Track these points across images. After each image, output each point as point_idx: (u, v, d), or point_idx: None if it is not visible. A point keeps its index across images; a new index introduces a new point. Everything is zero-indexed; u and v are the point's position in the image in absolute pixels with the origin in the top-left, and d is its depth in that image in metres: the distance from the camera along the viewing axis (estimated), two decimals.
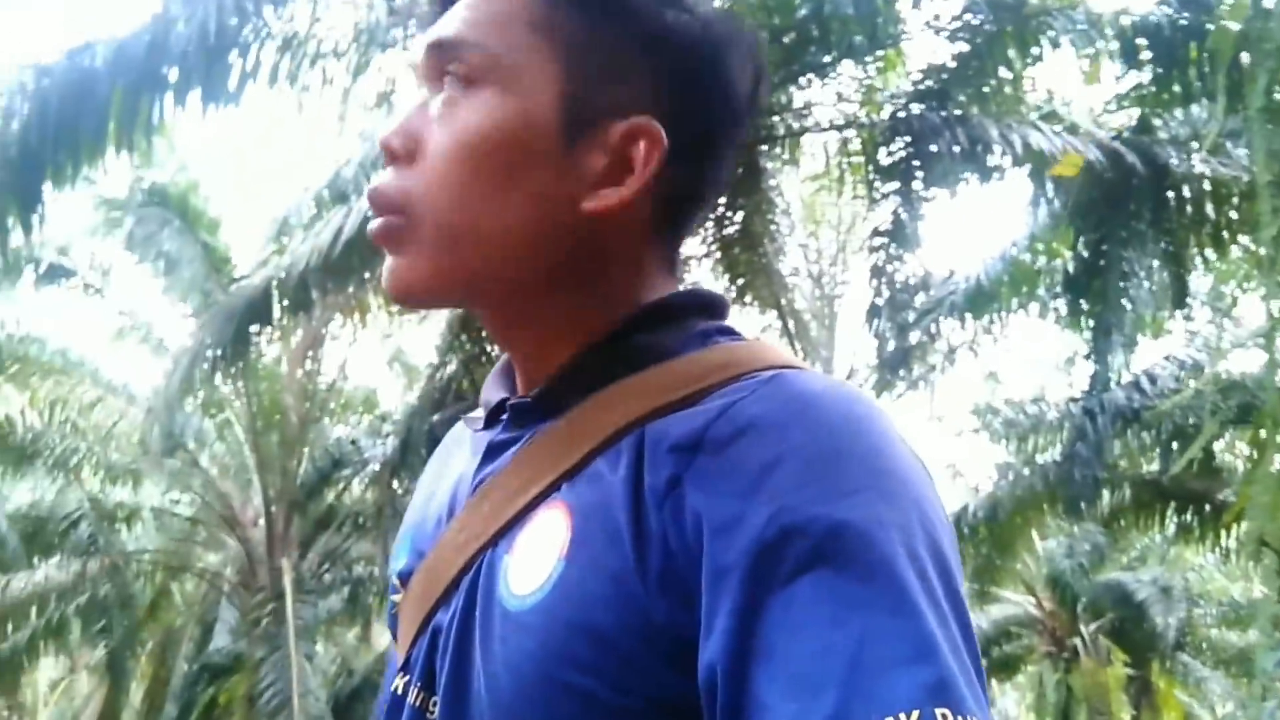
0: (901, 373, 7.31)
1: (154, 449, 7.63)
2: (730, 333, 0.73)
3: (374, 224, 0.71)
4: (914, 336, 7.08)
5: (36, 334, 8.70)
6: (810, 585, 0.54)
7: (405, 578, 0.77)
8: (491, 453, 0.74)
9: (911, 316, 6.87)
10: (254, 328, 6.57)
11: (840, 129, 6.25)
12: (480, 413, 0.80)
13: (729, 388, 0.64)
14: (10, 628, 9.24)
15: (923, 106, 5.82)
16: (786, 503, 0.56)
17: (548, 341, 0.72)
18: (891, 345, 6.86)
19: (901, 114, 5.88)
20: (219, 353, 6.49)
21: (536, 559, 0.64)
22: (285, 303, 6.30)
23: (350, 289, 6.49)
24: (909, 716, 0.50)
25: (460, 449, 0.83)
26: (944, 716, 0.50)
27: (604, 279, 0.71)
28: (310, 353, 9.09)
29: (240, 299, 6.53)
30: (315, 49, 5.33)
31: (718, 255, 6.48)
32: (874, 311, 6.51)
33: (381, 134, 0.72)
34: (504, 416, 0.75)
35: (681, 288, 0.76)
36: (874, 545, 0.55)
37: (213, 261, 7.87)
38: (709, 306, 0.74)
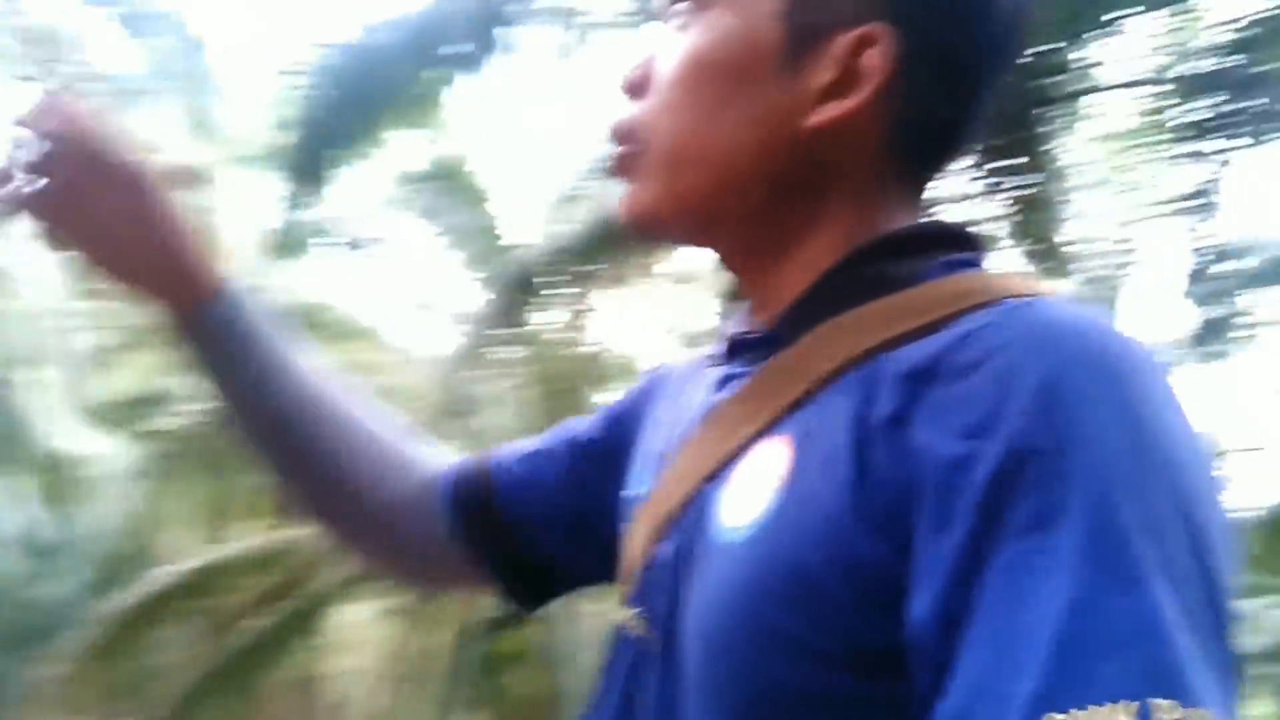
0: (1210, 347, 6.67)
1: (441, 411, 8.03)
2: (979, 266, 0.68)
3: (611, 155, 0.72)
4: (1220, 309, 6.48)
5: (329, 301, 9.34)
6: (1032, 544, 0.49)
7: (632, 508, 0.76)
8: (721, 386, 0.73)
9: (1217, 286, 6.28)
10: (531, 296, 6.76)
11: (1135, 86, 5.69)
12: (717, 350, 0.78)
13: (973, 315, 0.59)
14: (323, 571, 10.08)
15: (1228, 60, 5.16)
16: (1020, 447, 0.51)
17: (780, 273, 0.70)
18: (1199, 317, 6.29)
19: (1205, 69, 5.25)
20: (499, 320, 6.73)
21: (752, 491, 0.62)
22: (561, 273, 6.44)
23: (624, 258, 6.54)
24: (1120, 707, 0.45)
25: (694, 383, 0.81)
26: (1164, 708, 0.45)
27: (834, 202, 0.68)
28: (585, 321, 9.30)
29: (519, 267, 6.73)
30: (589, 20, 5.37)
31: (1002, 221, 6.11)
32: (1182, 280, 5.97)
33: (627, 69, 0.72)
34: (737, 352, 0.74)
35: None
36: (1108, 505, 0.49)
37: (493, 232, 8.15)
38: (957, 239, 0.69)
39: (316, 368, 0.91)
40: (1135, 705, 0.44)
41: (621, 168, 0.72)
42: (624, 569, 0.74)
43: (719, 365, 0.75)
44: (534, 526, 0.91)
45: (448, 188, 7.99)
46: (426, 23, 4.85)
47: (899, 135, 0.68)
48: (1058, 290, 0.65)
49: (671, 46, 0.70)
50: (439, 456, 0.96)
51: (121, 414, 8.99)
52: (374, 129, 5.21)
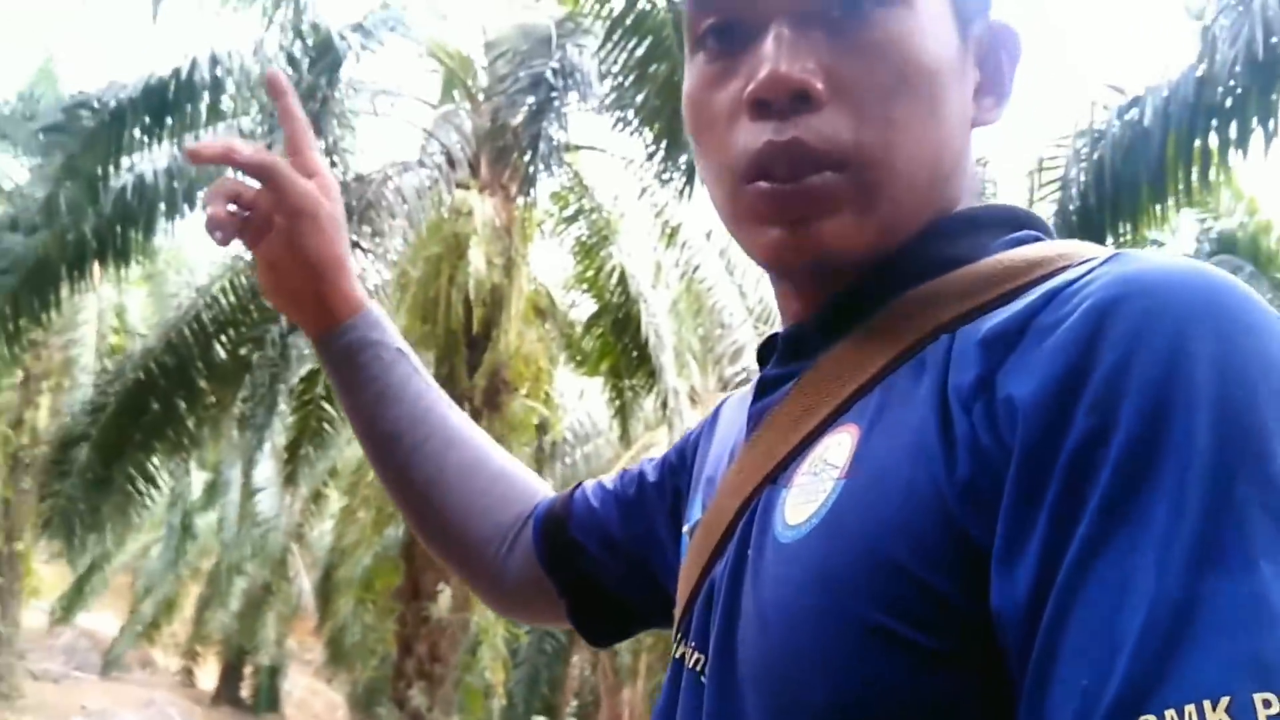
0: None
1: None
2: (1041, 239, 0.63)
3: (794, 186, 0.61)
4: None
5: None
6: (1124, 519, 0.45)
7: (688, 540, 0.73)
8: (766, 388, 0.69)
9: None
10: None
11: None
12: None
13: (1053, 278, 0.55)
14: None
15: None
16: (1112, 409, 0.46)
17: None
18: None
19: None
20: None
21: (815, 485, 0.58)
22: None
23: None
24: (1216, 704, 0.40)
25: (746, 399, 0.75)
26: (1267, 703, 0.40)
27: (956, 194, 0.67)
28: None
29: None
30: None
31: None
32: None
33: (780, 69, 0.61)
34: (787, 351, 0.69)
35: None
36: (1210, 475, 0.44)
37: None
38: (1022, 220, 0.66)
39: (436, 400, 0.98)
40: (1233, 700, 0.40)
41: (823, 199, 0.62)
42: (679, 599, 0.71)
43: (770, 368, 0.71)
44: (602, 561, 0.92)
45: (1239, 262, 7.36)
46: (1190, 83, 4.58)
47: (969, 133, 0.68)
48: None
49: (861, 47, 0.62)
50: (542, 489, 0.99)
51: None
52: (1142, 212, 5.05)
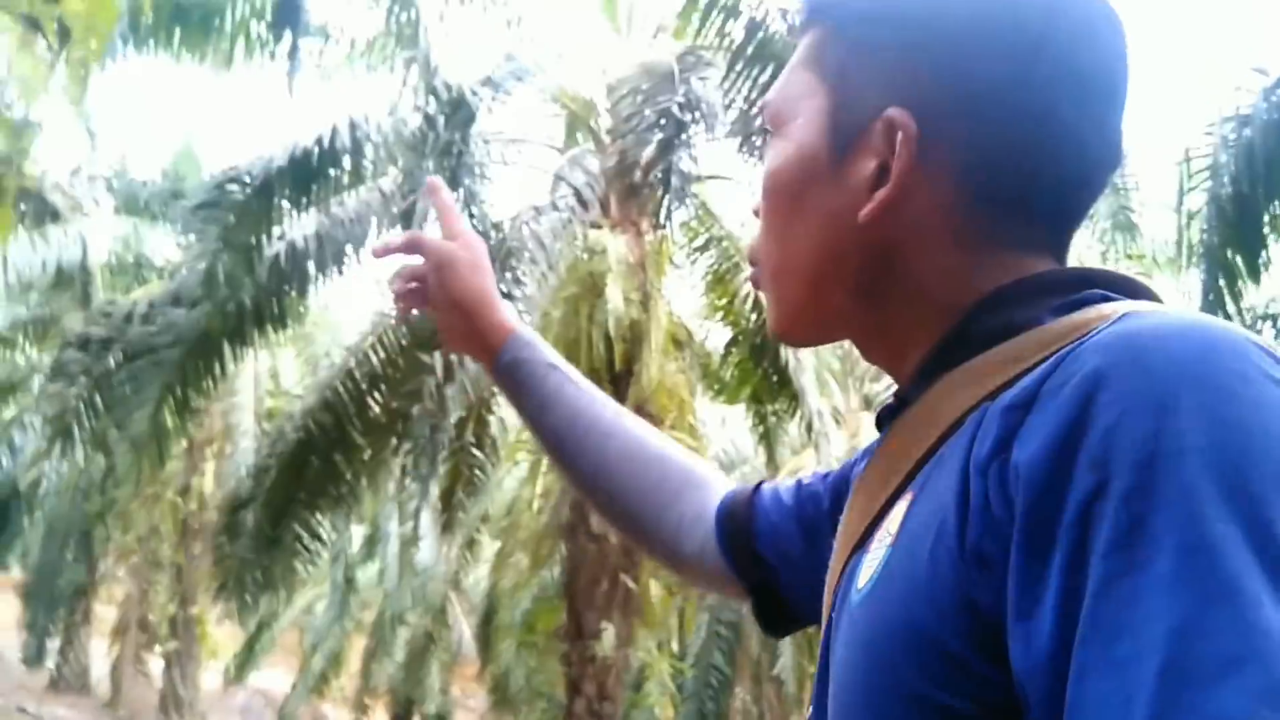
0: None
1: None
2: (1107, 298, 0.65)
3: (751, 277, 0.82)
4: None
5: None
6: (1127, 567, 0.48)
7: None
8: (867, 456, 0.79)
9: None
10: None
11: None
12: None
13: (1080, 339, 0.58)
14: None
15: None
16: (1106, 465, 0.50)
17: (900, 351, 0.74)
18: None
19: None
20: None
21: (877, 552, 0.65)
22: None
23: None
24: None
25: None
26: None
27: (923, 274, 0.71)
28: None
29: None
30: None
31: None
32: None
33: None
34: (884, 424, 0.76)
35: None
36: (1202, 518, 0.48)
37: None
38: (1088, 280, 0.68)
39: (591, 402, 1.13)
40: None
41: (756, 288, 0.83)
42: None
43: (875, 441, 0.78)
44: (785, 578, 1.01)
45: None
46: None
47: (970, 196, 0.70)
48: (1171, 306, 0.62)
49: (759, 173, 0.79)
50: (714, 476, 1.11)
51: None
52: None
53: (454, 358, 6.24)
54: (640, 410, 7.45)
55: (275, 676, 17.70)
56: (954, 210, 0.71)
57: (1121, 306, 0.62)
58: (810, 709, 0.74)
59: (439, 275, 1.12)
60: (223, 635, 14.33)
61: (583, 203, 6.97)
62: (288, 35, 6.70)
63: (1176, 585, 0.47)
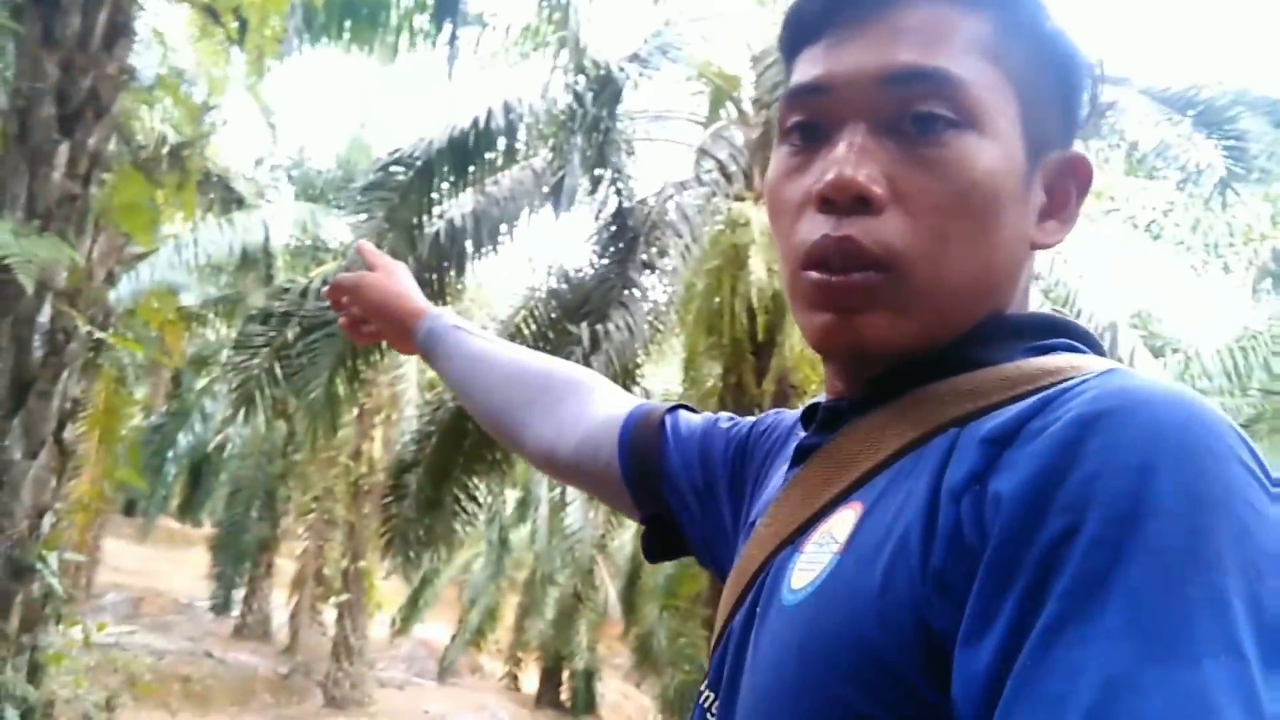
0: None
1: None
2: (1072, 348, 0.67)
3: (841, 279, 0.66)
4: None
5: None
6: (1080, 612, 0.48)
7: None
8: (800, 455, 0.73)
9: None
10: None
11: None
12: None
13: (1060, 386, 0.58)
14: None
15: None
16: (1079, 513, 0.50)
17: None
18: None
19: None
20: None
21: (818, 555, 0.62)
22: None
23: None
24: None
25: (787, 449, 0.82)
26: None
27: (1002, 306, 0.70)
28: None
29: None
30: None
31: None
32: None
33: (846, 173, 0.65)
34: (824, 422, 0.73)
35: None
36: (1161, 577, 0.47)
37: None
38: (1059, 329, 0.69)
39: (492, 346, 1.19)
40: None
41: (861, 296, 0.66)
42: (713, 638, 0.75)
43: (808, 435, 0.74)
44: (672, 500, 0.98)
45: None
46: None
47: None
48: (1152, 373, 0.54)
49: (931, 165, 0.66)
50: (600, 384, 1.12)
51: None
52: None
53: (599, 328, 6.22)
54: (783, 380, 7.32)
55: (436, 629, 18.25)
56: None
57: (1093, 362, 0.63)
58: (709, 692, 0.72)
59: (358, 294, 1.29)
60: (389, 589, 14.78)
61: (726, 176, 6.85)
62: (447, 25, 6.74)
63: (1121, 638, 0.46)
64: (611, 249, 6.60)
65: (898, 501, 0.60)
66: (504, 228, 7.27)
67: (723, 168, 6.88)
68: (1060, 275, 7.28)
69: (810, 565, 0.63)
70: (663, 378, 9.92)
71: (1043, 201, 0.70)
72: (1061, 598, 0.48)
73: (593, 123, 5.78)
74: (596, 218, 6.52)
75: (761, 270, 6.71)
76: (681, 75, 7.34)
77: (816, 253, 0.67)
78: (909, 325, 0.66)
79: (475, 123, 6.62)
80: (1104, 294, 7.64)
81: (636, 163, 6.57)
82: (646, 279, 6.51)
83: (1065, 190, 0.71)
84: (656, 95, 7.43)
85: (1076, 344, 0.68)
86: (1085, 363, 0.63)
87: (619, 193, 6.15)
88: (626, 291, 6.50)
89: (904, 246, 0.65)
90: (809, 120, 0.70)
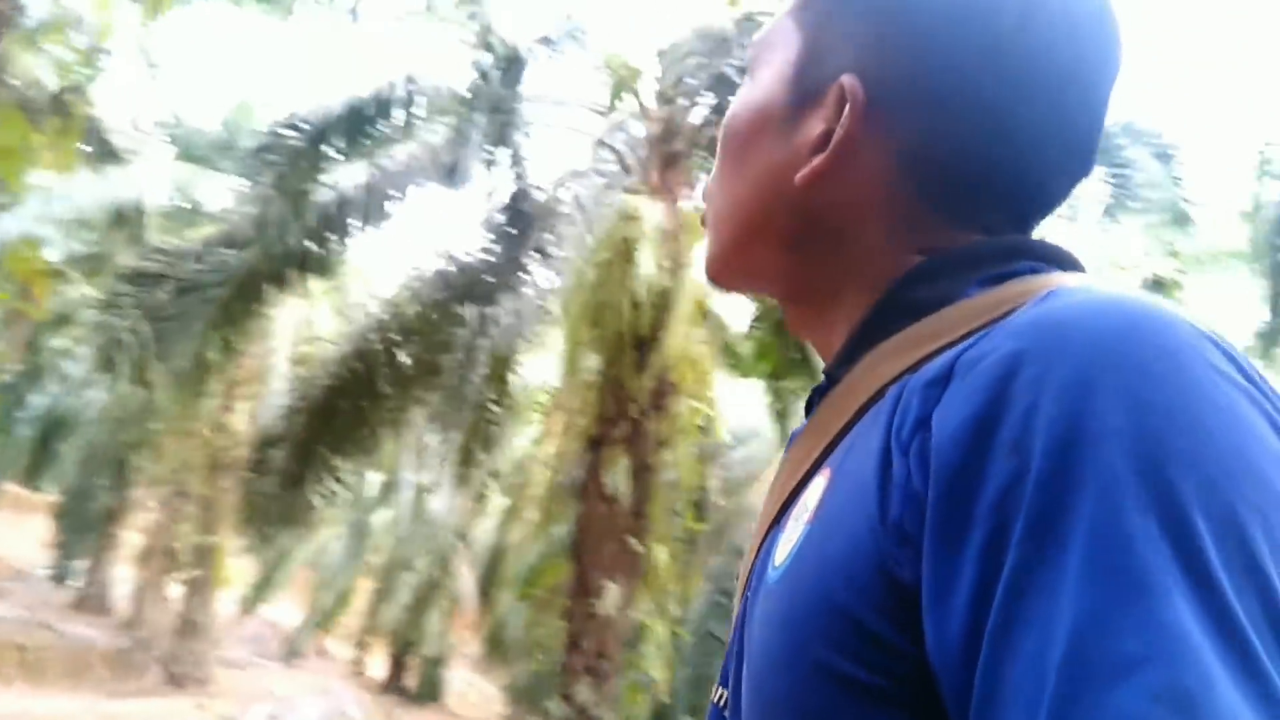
0: None
1: None
2: (1035, 270, 0.61)
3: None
4: None
5: None
6: (1037, 558, 0.44)
7: None
8: (792, 439, 0.71)
9: None
10: None
11: None
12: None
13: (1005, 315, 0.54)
14: None
15: None
16: (1022, 450, 0.46)
17: (831, 322, 0.69)
18: None
19: None
20: None
21: (794, 528, 0.60)
22: None
23: None
24: None
25: None
26: None
27: (859, 246, 0.67)
28: None
29: None
30: None
31: None
32: None
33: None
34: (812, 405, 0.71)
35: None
36: (1116, 509, 0.43)
37: None
38: (1020, 251, 0.63)
39: None
40: None
41: (703, 225, 0.77)
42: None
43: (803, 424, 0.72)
44: None
45: None
46: None
47: (916, 175, 0.65)
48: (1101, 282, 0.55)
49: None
50: None
51: None
52: None
53: (491, 311, 6.04)
54: (662, 378, 7.27)
55: (284, 610, 17.65)
56: (895, 188, 0.66)
57: (1050, 281, 0.58)
58: (720, 689, 0.70)
59: None
60: (238, 567, 14.21)
61: (624, 168, 6.75)
62: None
63: (1086, 579, 0.43)
64: (505, 233, 6.43)
65: (856, 460, 0.58)
66: (394, 203, 7.02)
67: (621, 159, 6.79)
68: None
69: (788, 541, 0.60)
70: (538, 368, 9.79)
71: (815, 136, 0.67)
72: (1019, 546, 0.45)
73: (496, 102, 5.61)
74: (490, 199, 6.35)
75: (650, 265, 6.64)
76: (586, 62, 7.22)
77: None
78: (709, 250, 0.74)
79: (374, 93, 6.37)
80: None
81: (535, 147, 6.42)
82: (538, 266, 6.36)
83: (830, 118, 0.67)
84: (555, 81, 7.28)
85: (1041, 265, 0.62)
86: (1038, 284, 0.58)
87: (518, 176, 6.00)
88: (517, 277, 6.33)
89: (708, 183, 0.76)
90: None
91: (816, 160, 0.66)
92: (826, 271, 0.69)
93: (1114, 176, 5.59)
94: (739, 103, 0.72)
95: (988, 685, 0.45)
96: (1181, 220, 6.71)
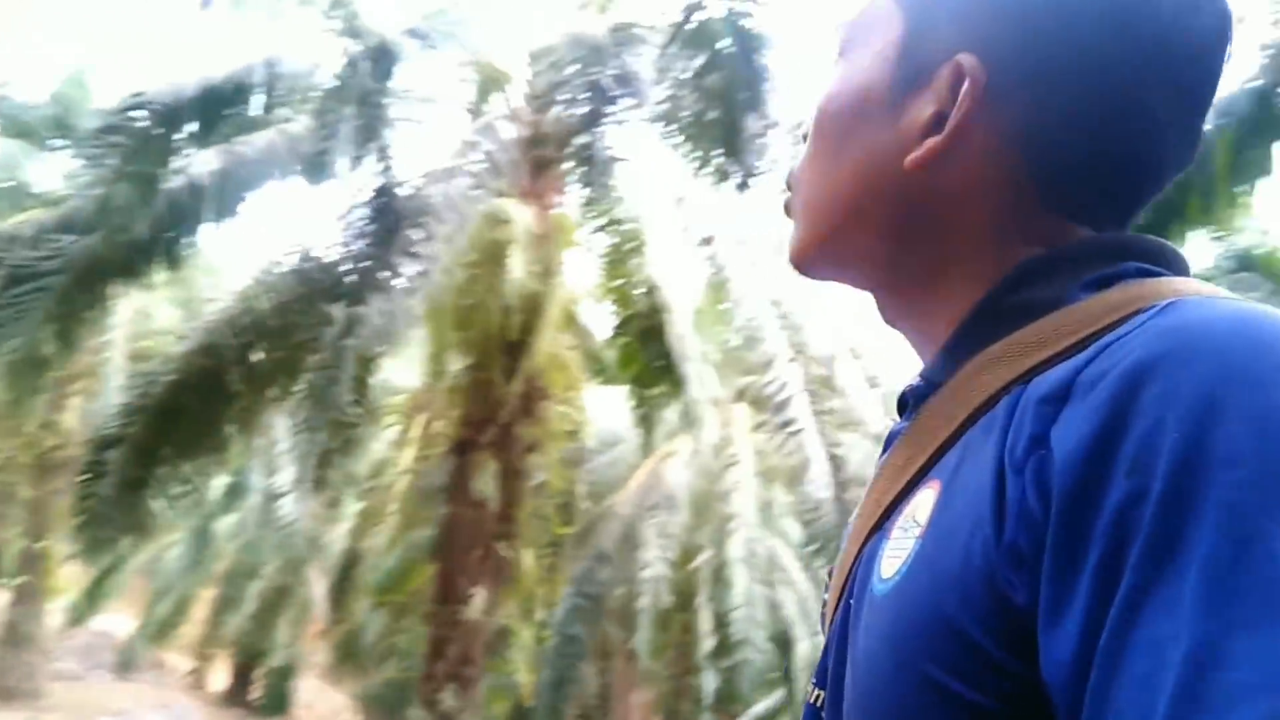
0: None
1: None
2: (1152, 273, 0.58)
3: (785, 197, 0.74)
4: None
5: None
6: (1157, 581, 0.43)
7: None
8: (889, 442, 0.69)
9: None
10: None
11: None
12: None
13: (1117, 328, 0.52)
14: None
15: None
16: (1145, 472, 0.44)
17: (930, 317, 0.67)
18: None
19: None
20: None
21: (904, 540, 0.58)
22: None
23: None
24: None
25: None
26: None
27: (964, 237, 0.64)
28: None
29: None
30: None
31: None
32: None
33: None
34: (906, 407, 0.69)
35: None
36: (1239, 534, 0.42)
37: None
38: (1124, 251, 0.61)
39: None
40: None
41: (786, 213, 0.74)
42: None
43: (898, 423, 0.70)
44: None
45: (1259, 280, 7.24)
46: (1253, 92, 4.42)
47: (1028, 160, 0.62)
48: (1222, 291, 0.55)
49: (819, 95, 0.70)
50: None
51: None
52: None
53: (359, 311, 5.77)
54: (531, 383, 7.13)
55: (118, 620, 16.73)
56: (1005, 174, 0.63)
57: (1163, 287, 0.56)
58: (816, 690, 0.69)
59: None
60: (69, 574, 13.37)
61: (495, 170, 6.57)
62: None
63: (1202, 604, 0.42)
64: (371, 231, 6.15)
65: (969, 475, 0.55)
66: (251, 194, 6.64)
67: (492, 161, 6.60)
68: (789, 309, 7.55)
69: (897, 551, 0.58)
70: (400, 370, 9.49)
71: (929, 115, 0.64)
72: (1136, 569, 0.44)
73: (364, 94, 5.35)
74: (355, 195, 6.07)
75: (520, 269, 6.50)
76: (456, 60, 7.00)
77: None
78: (796, 236, 0.72)
79: (233, 77, 5.99)
80: (829, 326, 8.00)
81: (404, 143, 6.18)
82: (406, 266, 6.11)
83: (943, 101, 0.64)
84: (421, 78, 7.03)
85: (1148, 265, 0.60)
86: (1151, 291, 0.56)
87: (385, 172, 5.74)
88: (385, 276, 6.06)
89: (797, 167, 0.73)
90: None
91: (931, 141, 0.64)
92: (927, 260, 0.66)
93: None
94: (836, 85, 0.69)
95: (1097, 706, 0.44)
96: None
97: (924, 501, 0.59)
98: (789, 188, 0.73)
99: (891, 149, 0.65)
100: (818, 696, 0.68)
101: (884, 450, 0.69)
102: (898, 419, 0.71)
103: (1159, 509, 0.44)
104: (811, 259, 0.72)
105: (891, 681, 0.55)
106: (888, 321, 0.72)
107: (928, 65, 0.65)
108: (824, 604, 0.75)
